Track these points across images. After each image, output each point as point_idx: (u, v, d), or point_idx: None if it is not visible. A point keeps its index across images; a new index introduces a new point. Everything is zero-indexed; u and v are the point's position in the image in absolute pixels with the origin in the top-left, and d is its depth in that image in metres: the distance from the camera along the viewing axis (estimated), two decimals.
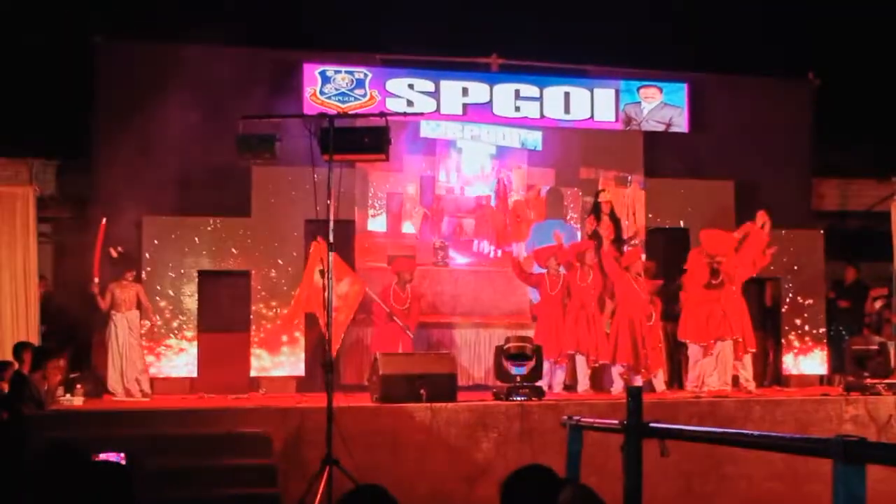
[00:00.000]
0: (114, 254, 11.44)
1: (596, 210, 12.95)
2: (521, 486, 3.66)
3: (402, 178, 13.53)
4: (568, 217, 13.73)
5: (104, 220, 11.40)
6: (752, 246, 11.85)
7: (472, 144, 13.82)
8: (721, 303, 11.57)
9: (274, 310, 12.35)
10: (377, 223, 13.44)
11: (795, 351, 13.44)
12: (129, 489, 3.53)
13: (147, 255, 12.12)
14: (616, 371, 11.83)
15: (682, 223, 13.59)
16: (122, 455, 6.45)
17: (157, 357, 12.03)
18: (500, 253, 13.69)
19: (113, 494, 3.53)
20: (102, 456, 6.14)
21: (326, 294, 8.44)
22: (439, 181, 13.66)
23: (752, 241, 11.86)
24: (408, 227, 13.59)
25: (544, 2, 13.78)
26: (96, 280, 11.18)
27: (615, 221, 12.88)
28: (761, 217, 11.95)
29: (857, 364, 11.60)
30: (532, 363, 10.81)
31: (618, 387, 11.60)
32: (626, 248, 12.95)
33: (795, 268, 13.52)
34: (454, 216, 13.63)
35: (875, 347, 11.97)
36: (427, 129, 13.42)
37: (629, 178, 13.71)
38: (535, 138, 13.79)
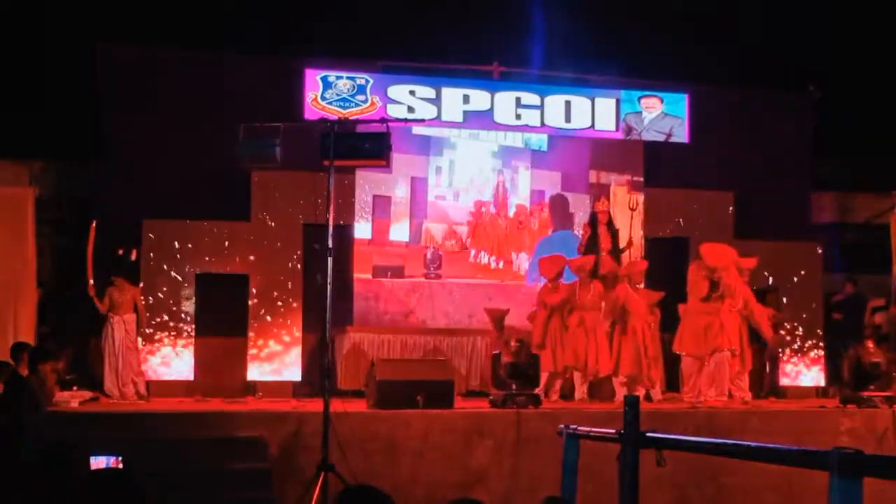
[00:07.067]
0: (133, 256, 11.59)
1: (592, 220, 12.89)
2: None
3: (391, 180, 12.91)
4: (576, 227, 13.42)
5: (94, 223, 11.42)
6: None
7: (471, 143, 13.37)
8: (720, 315, 11.55)
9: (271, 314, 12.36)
10: (362, 230, 12.82)
11: (792, 363, 13.43)
12: (134, 496, 3.50)
13: (146, 258, 12.12)
14: (618, 381, 11.80)
15: (681, 234, 13.58)
16: (117, 458, 6.40)
17: (156, 358, 12.02)
18: (501, 264, 13.33)
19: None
20: (94, 462, 6.07)
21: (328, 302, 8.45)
22: (431, 184, 13.21)
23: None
24: (396, 235, 13.00)
25: (546, 11, 13.80)
26: (91, 282, 11.18)
27: (612, 232, 12.85)
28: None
29: (856, 376, 11.59)
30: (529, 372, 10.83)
31: (620, 398, 11.55)
32: (623, 257, 12.91)
33: (794, 280, 13.51)
34: (448, 223, 13.25)
35: (874, 360, 11.95)
36: (421, 125, 12.78)
37: (636, 182, 13.63)
38: (539, 138, 13.45)
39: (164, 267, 12.21)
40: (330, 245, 8.48)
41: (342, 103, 12.64)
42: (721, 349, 11.45)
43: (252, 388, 12.05)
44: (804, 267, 13.54)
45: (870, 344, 11.90)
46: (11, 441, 8.21)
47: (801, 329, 13.44)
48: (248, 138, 9.01)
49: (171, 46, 12.75)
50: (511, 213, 13.54)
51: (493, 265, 13.37)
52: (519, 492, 9.73)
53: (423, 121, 12.51)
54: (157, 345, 12.05)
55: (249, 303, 12.35)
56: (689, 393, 11.65)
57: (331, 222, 8.50)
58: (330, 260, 8.45)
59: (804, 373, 13.44)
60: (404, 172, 12.98)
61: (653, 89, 13.68)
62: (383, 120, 9.12)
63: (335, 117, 10.02)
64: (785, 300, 13.47)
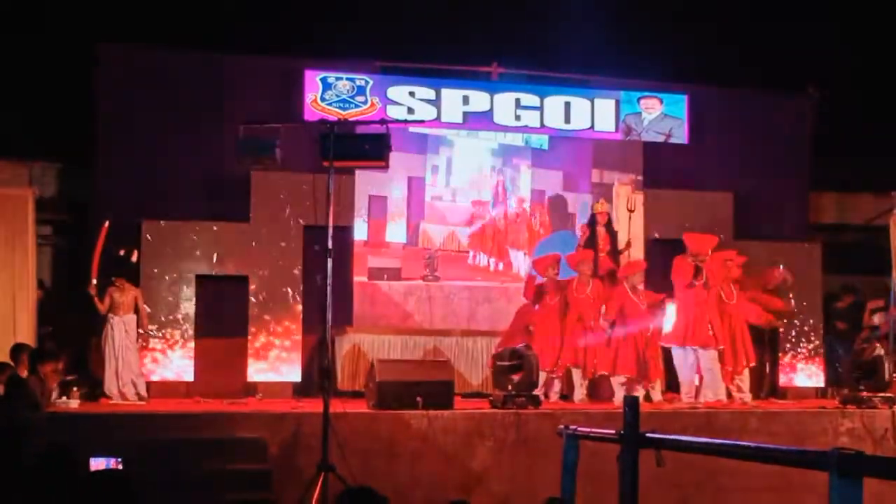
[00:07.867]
0: (134, 256, 11.56)
1: (591, 221, 12.88)
2: None
3: (387, 180, 12.77)
4: (577, 227, 13.33)
5: (107, 222, 11.41)
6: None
7: (469, 141, 13.29)
8: (707, 309, 11.55)
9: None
10: (358, 230, 12.75)
11: (792, 363, 13.42)
12: (132, 497, 3.51)
13: (145, 258, 12.11)
14: (616, 382, 11.80)
15: (681, 235, 13.54)
16: (117, 460, 6.40)
17: (154, 361, 12.01)
18: (500, 266, 13.23)
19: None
20: (95, 463, 6.08)
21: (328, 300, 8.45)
22: (428, 183, 13.12)
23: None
24: (392, 236, 12.93)
25: (545, 12, 13.81)
26: (94, 282, 11.17)
27: (611, 233, 12.84)
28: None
29: (856, 377, 11.59)
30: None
31: (619, 398, 11.55)
32: (621, 258, 12.90)
33: (793, 280, 13.48)
34: (446, 224, 13.17)
35: (873, 361, 11.94)
36: (420, 126, 12.78)
37: (640, 182, 13.59)
38: (540, 137, 13.36)
39: (164, 268, 12.20)
40: (330, 246, 8.48)
41: (342, 104, 12.64)
42: (707, 346, 11.45)
43: (252, 388, 12.05)
44: (804, 268, 13.52)
45: (868, 345, 11.90)
46: (11, 442, 8.20)
47: (802, 328, 13.43)
48: (247, 139, 9.03)
49: (171, 46, 12.75)
50: (510, 212, 13.47)
51: (492, 267, 13.30)
52: (519, 492, 9.73)
53: (422, 122, 12.51)
54: (156, 345, 12.05)
55: (249, 304, 12.35)
56: (688, 393, 11.67)
57: (330, 223, 8.50)
58: (330, 261, 8.45)
59: (804, 373, 13.43)
60: (400, 172, 12.84)
61: (652, 90, 13.68)
62: (383, 121, 9.13)
63: (335, 118, 10.00)
64: (786, 299, 13.46)
